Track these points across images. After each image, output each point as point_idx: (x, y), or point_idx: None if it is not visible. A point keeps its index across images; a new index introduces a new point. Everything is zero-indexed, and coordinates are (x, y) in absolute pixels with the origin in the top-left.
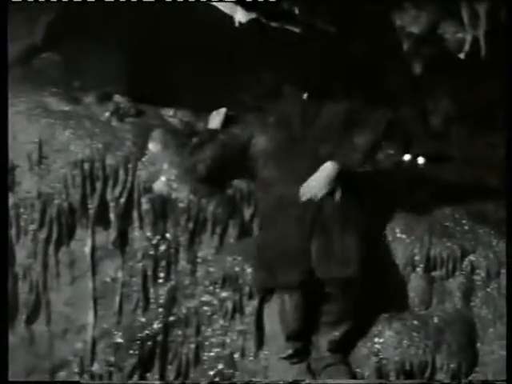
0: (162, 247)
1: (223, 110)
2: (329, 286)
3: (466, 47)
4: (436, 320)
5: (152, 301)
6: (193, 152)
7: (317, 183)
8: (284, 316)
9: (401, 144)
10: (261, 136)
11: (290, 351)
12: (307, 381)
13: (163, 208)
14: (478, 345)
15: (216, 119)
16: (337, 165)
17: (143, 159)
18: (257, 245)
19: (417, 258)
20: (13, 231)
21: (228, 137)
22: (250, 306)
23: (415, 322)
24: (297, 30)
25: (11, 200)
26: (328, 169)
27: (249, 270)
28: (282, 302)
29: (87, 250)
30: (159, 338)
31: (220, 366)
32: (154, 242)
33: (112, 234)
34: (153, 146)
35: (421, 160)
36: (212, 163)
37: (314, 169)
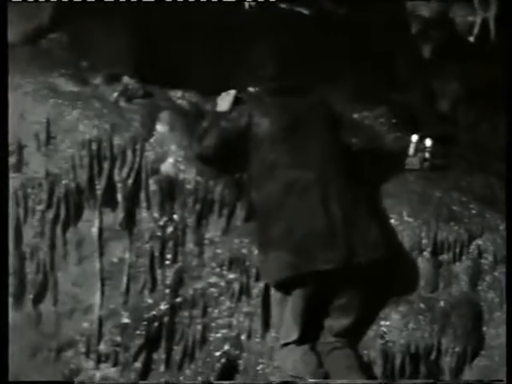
0: (170, 228)
1: (233, 92)
2: (366, 269)
3: (476, 30)
4: (442, 303)
5: (159, 282)
6: (201, 138)
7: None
8: (296, 303)
9: (409, 126)
10: (262, 118)
11: (294, 337)
12: (301, 382)
13: (171, 189)
14: (484, 328)
15: (225, 101)
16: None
17: (151, 140)
18: (275, 231)
19: (424, 241)
20: (20, 211)
21: (227, 122)
22: (257, 288)
23: (421, 306)
24: (306, 11)
25: (19, 180)
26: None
27: (255, 252)
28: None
29: (95, 230)
30: (166, 318)
31: (226, 347)
32: (162, 223)
33: (119, 214)
34: (161, 128)
35: (428, 142)
36: (219, 148)
37: (324, 152)
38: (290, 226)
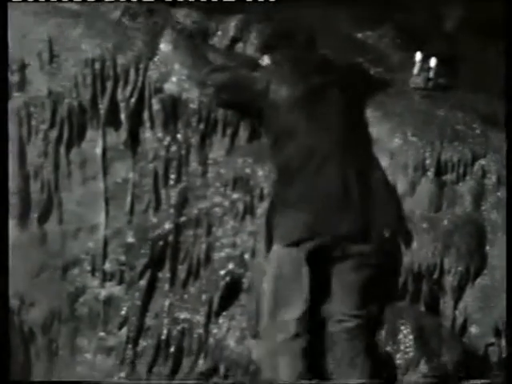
0: (173, 148)
1: None
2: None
3: None
4: (446, 223)
5: (163, 201)
6: (214, 71)
7: None
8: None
9: (413, 46)
10: (280, 84)
11: (296, 314)
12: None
13: (174, 108)
14: (487, 248)
15: None
16: None
17: (154, 59)
18: (294, 192)
19: (428, 161)
20: (23, 131)
21: (245, 75)
22: (261, 208)
23: (424, 225)
24: None
25: (21, 99)
26: None
27: (260, 173)
28: None
29: (98, 150)
30: (170, 238)
31: (230, 266)
32: (165, 142)
33: (123, 134)
34: (164, 46)
35: (433, 61)
36: (222, 91)
37: (343, 122)
38: (309, 190)
